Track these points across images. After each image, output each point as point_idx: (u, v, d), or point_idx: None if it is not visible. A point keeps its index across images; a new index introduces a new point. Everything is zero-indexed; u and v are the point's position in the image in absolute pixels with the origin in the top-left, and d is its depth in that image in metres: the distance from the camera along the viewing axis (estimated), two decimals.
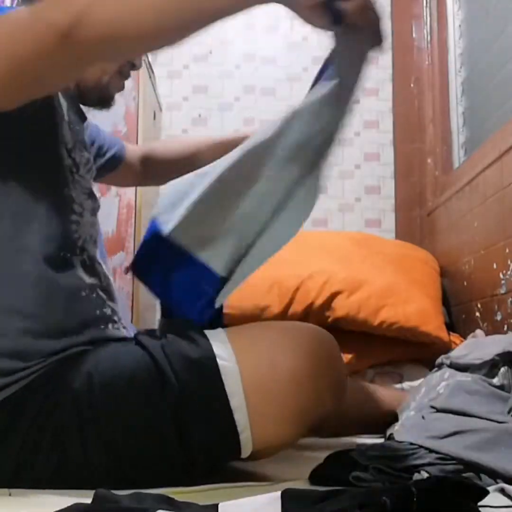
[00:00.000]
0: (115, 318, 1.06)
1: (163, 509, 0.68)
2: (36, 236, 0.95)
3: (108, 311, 1.05)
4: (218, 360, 0.93)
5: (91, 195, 1.08)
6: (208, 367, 0.93)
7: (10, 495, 0.88)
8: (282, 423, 0.95)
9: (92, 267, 1.04)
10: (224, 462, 0.96)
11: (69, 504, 0.69)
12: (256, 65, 2.80)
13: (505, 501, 0.80)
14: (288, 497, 0.68)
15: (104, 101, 1.15)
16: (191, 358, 0.94)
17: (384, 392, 1.48)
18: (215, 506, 0.71)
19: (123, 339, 1.04)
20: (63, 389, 0.93)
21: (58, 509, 0.68)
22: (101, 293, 1.04)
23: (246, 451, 0.94)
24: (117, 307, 1.08)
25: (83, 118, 1.16)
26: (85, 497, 0.75)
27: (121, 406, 0.92)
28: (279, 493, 0.69)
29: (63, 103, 1.03)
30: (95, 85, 1.11)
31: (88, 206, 1.07)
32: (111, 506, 0.69)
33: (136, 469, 0.93)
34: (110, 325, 1.04)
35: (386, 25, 2.77)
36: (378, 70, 2.80)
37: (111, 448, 0.91)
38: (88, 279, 1.02)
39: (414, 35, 2.78)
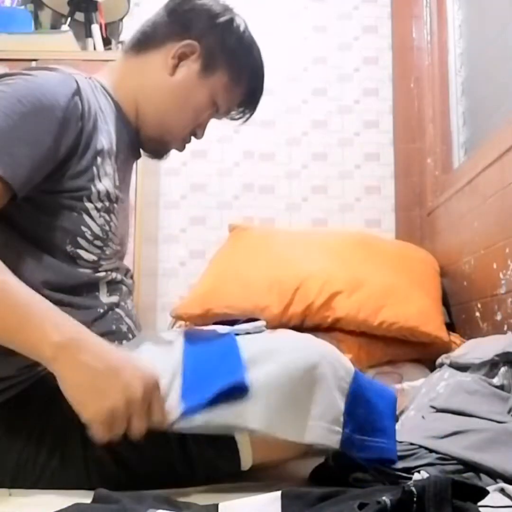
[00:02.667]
0: (130, 335, 1.08)
1: (163, 509, 0.68)
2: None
3: (124, 328, 1.07)
4: None
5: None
6: None
7: (10, 495, 0.88)
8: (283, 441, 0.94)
9: (115, 286, 1.07)
10: (223, 474, 0.96)
11: (69, 504, 0.69)
12: None
13: (505, 501, 0.80)
14: (288, 497, 0.68)
15: (156, 153, 1.20)
16: None
17: None
18: (215, 506, 0.71)
19: None
20: None
21: (58, 509, 0.68)
22: (118, 310, 1.06)
23: (245, 466, 0.94)
24: (135, 324, 1.11)
25: (137, 155, 1.19)
26: (85, 497, 0.75)
27: None
28: (279, 493, 0.69)
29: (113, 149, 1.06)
30: (156, 139, 1.15)
31: (124, 231, 1.12)
32: (111, 506, 0.69)
33: (137, 475, 0.92)
34: (124, 342, 1.05)
35: (387, 25, 2.77)
36: (378, 70, 2.80)
37: (111, 451, 0.91)
38: (107, 299, 1.04)
39: (414, 35, 2.78)
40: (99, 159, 1.02)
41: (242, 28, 1.14)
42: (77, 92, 0.99)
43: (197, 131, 1.17)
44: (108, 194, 1.03)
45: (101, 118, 1.04)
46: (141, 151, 1.20)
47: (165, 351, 0.97)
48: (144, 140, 1.16)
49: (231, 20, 1.13)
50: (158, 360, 0.94)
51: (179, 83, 1.11)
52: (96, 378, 0.81)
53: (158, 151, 1.19)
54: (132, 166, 1.20)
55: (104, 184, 1.02)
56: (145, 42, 1.14)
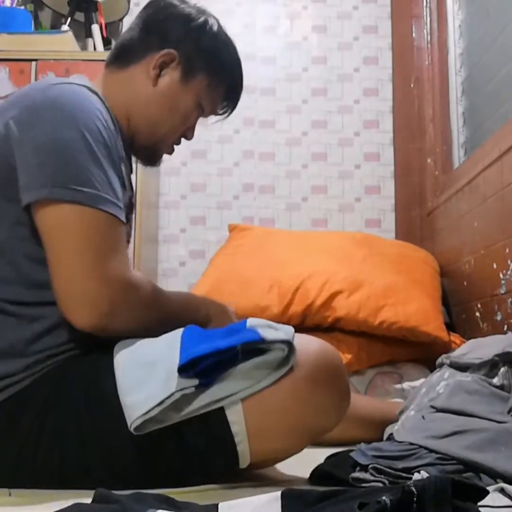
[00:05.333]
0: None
1: (163, 509, 0.68)
2: None
3: None
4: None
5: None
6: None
7: (10, 495, 0.88)
8: (281, 437, 0.94)
9: None
10: (221, 471, 0.96)
11: (69, 504, 0.69)
12: (256, 65, 2.80)
13: (505, 501, 0.80)
14: (288, 497, 0.68)
15: (151, 159, 1.24)
16: None
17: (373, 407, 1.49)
18: (215, 506, 0.71)
19: None
20: (62, 390, 0.93)
21: (58, 509, 0.68)
22: None
23: (244, 462, 0.94)
24: None
25: (130, 167, 1.21)
26: (85, 497, 0.75)
27: (120, 410, 0.92)
28: (279, 493, 0.69)
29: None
30: (149, 147, 1.19)
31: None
32: (111, 506, 0.69)
33: (135, 471, 0.93)
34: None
35: (387, 25, 2.77)
36: (378, 70, 2.80)
37: (110, 449, 0.91)
38: None
39: (414, 35, 2.77)
40: (123, 168, 1.06)
41: (215, 28, 1.17)
42: (105, 109, 1.04)
43: (187, 133, 1.22)
44: (125, 203, 1.06)
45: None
46: (137, 159, 1.24)
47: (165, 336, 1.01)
48: (137, 149, 1.20)
49: (204, 23, 1.16)
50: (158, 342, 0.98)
51: (164, 92, 1.15)
52: None
53: (151, 158, 1.24)
54: (130, 176, 1.22)
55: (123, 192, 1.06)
56: (125, 56, 1.17)
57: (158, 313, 1.04)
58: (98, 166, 0.96)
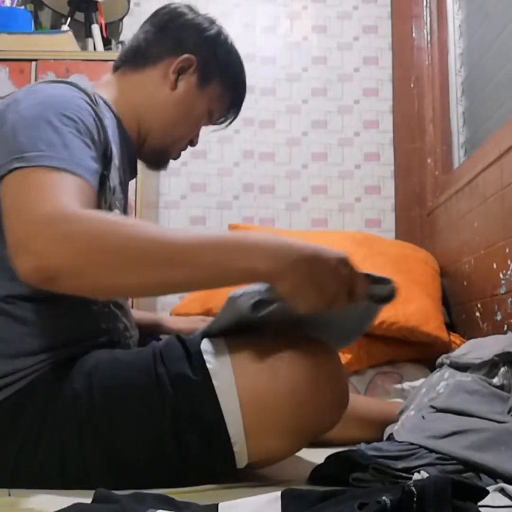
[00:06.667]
0: (127, 334, 1.10)
1: (163, 509, 0.68)
2: None
3: (121, 326, 1.08)
4: (213, 381, 0.92)
5: None
6: (202, 386, 0.92)
7: (9, 495, 0.88)
8: (279, 437, 0.94)
9: None
10: (219, 471, 0.96)
11: (69, 504, 0.69)
12: (256, 65, 2.79)
13: (505, 501, 0.80)
14: (288, 497, 0.68)
15: (158, 163, 1.26)
16: (188, 376, 0.93)
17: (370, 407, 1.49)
18: (215, 506, 0.71)
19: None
20: (62, 390, 0.94)
21: (58, 509, 0.68)
22: (114, 308, 1.07)
23: (241, 463, 0.94)
24: (131, 324, 1.13)
25: (133, 173, 1.23)
26: (85, 497, 0.75)
27: (120, 409, 0.92)
28: (279, 493, 0.69)
29: (116, 163, 1.08)
30: (161, 150, 1.21)
31: None
32: (111, 506, 0.69)
33: (134, 471, 0.93)
34: (121, 340, 1.07)
35: (387, 25, 2.77)
36: (378, 70, 2.80)
37: (108, 449, 0.92)
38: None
39: (414, 35, 2.78)
40: (112, 170, 1.05)
41: (229, 39, 1.22)
42: (93, 105, 1.02)
43: (193, 139, 1.25)
44: (110, 205, 1.05)
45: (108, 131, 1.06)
46: (143, 163, 1.25)
47: None
48: (147, 153, 1.21)
49: (219, 33, 1.20)
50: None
51: (181, 96, 1.17)
52: (309, 278, 0.88)
53: (159, 162, 1.25)
54: (128, 181, 1.22)
55: (112, 192, 1.04)
56: (140, 59, 1.18)
57: (127, 249, 0.84)
58: (52, 132, 0.92)
